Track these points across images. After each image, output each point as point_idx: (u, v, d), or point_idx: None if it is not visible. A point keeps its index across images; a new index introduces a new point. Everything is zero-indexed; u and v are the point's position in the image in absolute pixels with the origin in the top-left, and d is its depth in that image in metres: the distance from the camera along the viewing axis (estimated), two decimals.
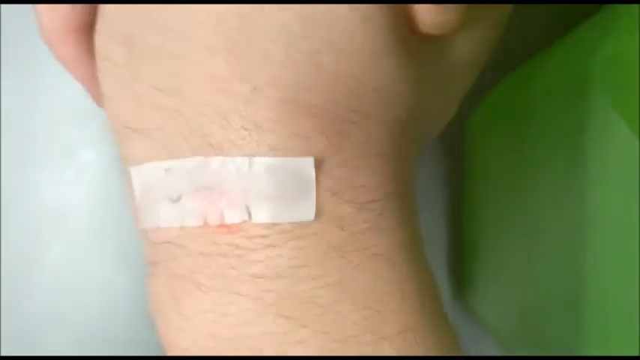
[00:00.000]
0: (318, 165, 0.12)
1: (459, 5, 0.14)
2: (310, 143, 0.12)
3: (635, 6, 0.18)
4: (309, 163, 0.12)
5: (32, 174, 0.29)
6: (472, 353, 0.30)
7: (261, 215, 0.12)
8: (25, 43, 0.29)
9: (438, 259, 0.30)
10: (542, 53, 0.25)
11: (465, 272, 0.30)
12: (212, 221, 0.13)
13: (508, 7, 0.15)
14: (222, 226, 0.13)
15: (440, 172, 0.30)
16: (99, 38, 0.15)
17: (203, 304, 0.13)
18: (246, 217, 0.12)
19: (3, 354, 0.29)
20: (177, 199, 0.13)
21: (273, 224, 0.12)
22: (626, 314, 0.17)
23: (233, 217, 0.12)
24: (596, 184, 0.19)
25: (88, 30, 0.15)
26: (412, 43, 0.13)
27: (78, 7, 0.15)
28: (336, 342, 0.12)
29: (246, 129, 0.12)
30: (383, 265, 0.13)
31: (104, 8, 0.15)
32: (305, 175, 0.12)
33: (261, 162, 0.12)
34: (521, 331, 0.25)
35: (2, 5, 0.29)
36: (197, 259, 0.13)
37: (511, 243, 0.26)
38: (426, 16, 0.13)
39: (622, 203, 0.17)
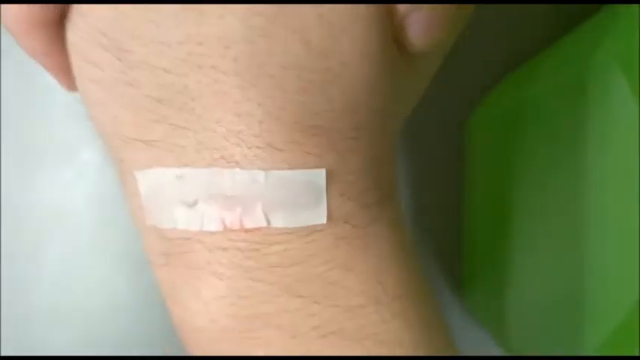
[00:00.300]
0: (329, 175, 0.14)
1: (448, 25, 0.15)
2: (322, 159, 0.14)
3: (635, 6, 0.18)
4: (321, 174, 0.14)
5: (32, 174, 0.29)
6: (472, 353, 0.30)
7: (279, 222, 0.14)
8: None
9: (438, 259, 0.30)
10: (542, 53, 0.25)
11: (465, 272, 0.30)
12: (232, 227, 0.14)
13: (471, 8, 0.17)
14: (240, 229, 0.14)
15: (440, 172, 0.30)
16: (77, 38, 0.15)
17: (221, 291, 0.14)
18: (264, 224, 0.14)
19: (3, 354, 0.29)
20: (193, 204, 0.14)
21: (288, 226, 0.14)
22: (626, 314, 0.17)
23: (252, 223, 0.14)
24: (597, 184, 0.19)
25: (57, 23, 0.15)
26: (400, 64, 0.15)
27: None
28: (345, 312, 0.14)
29: (260, 147, 0.14)
30: (383, 246, 0.15)
31: (81, 6, 0.14)
32: (317, 185, 0.14)
33: (277, 175, 0.14)
34: (522, 331, 0.25)
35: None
36: (214, 252, 0.14)
37: (511, 243, 0.26)
38: (415, 40, 0.14)
39: (623, 204, 0.17)
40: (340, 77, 0.14)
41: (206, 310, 0.15)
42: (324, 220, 0.14)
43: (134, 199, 0.15)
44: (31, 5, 0.15)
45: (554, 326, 0.22)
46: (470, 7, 0.16)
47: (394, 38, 0.15)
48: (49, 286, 0.29)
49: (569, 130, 0.20)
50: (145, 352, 0.29)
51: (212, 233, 0.14)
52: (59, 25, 0.15)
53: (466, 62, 0.29)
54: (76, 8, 0.15)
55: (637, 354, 0.16)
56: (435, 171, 0.30)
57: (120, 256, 0.29)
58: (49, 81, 0.29)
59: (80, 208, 0.29)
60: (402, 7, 0.14)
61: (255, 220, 0.14)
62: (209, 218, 0.14)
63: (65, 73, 0.16)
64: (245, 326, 0.14)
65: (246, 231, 0.14)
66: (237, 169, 0.14)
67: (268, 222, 0.14)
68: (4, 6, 0.15)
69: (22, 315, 0.29)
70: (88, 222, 0.29)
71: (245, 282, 0.14)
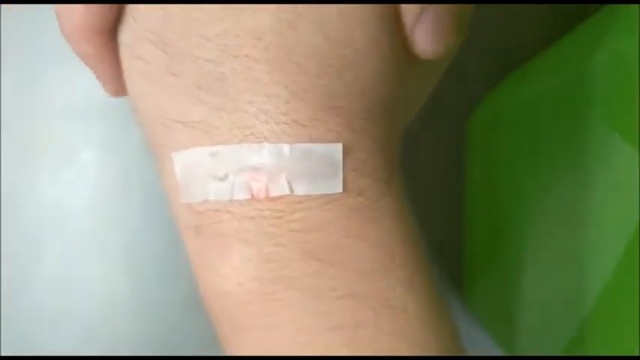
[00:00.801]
0: (345, 151, 0.16)
1: (456, 35, 0.17)
2: (340, 135, 0.16)
3: (635, 6, 0.18)
4: (338, 149, 0.16)
5: (32, 174, 0.29)
6: (472, 353, 0.30)
7: (301, 189, 0.16)
8: (25, 43, 0.29)
9: (439, 259, 0.30)
10: (542, 53, 0.25)
11: (465, 272, 0.30)
12: (259, 195, 0.16)
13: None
14: (265, 197, 0.16)
15: (440, 172, 0.30)
16: (129, 39, 0.17)
17: (248, 256, 0.16)
18: (288, 192, 0.16)
19: (3, 354, 0.29)
20: (224, 178, 0.16)
21: (309, 194, 0.16)
22: (626, 314, 0.17)
23: (277, 191, 0.16)
24: (597, 184, 0.19)
25: (112, 30, 0.17)
26: (407, 65, 0.17)
27: (106, 7, 0.17)
28: (358, 276, 0.16)
29: (286, 123, 0.16)
30: (390, 220, 0.17)
31: (134, 10, 0.17)
32: (334, 158, 0.16)
33: (301, 147, 0.16)
34: (522, 331, 0.25)
35: (2, 5, 0.29)
36: (242, 221, 0.16)
37: (511, 243, 0.26)
38: (424, 48, 0.16)
39: (623, 204, 0.17)
40: (353, 63, 0.16)
41: (235, 273, 0.16)
42: (340, 189, 0.16)
43: (170, 180, 0.17)
44: (92, 14, 0.16)
45: (554, 326, 0.22)
46: (470, 7, 0.17)
47: (405, 43, 0.17)
48: (49, 286, 0.29)
49: (569, 130, 0.20)
50: (144, 352, 0.29)
51: (240, 204, 0.16)
52: (113, 32, 0.17)
53: (466, 62, 0.29)
54: (130, 12, 0.17)
55: (637, 354, 0.16)
56: (435, 171, 0.30)
57: (120, 256, 0.29)
58: (49, 81, 0.29)
59: (80, 208, 0.29)
60: (408, 20, 0.16)
61: (280, 188, 0.16)
62: (238, 188, 0.16)
63: (113, 77, 0.18)
64: (269, 289, 0.16)
65: (271, 200, 0.16)
66: (265, 143, 0.16)
67: (291, 190, 0.16)
68: (65, 15, 0.17)
69: (22, 315, 0.29)
70: (87, 222, 0.29)
71: (269, 247, 0.16)
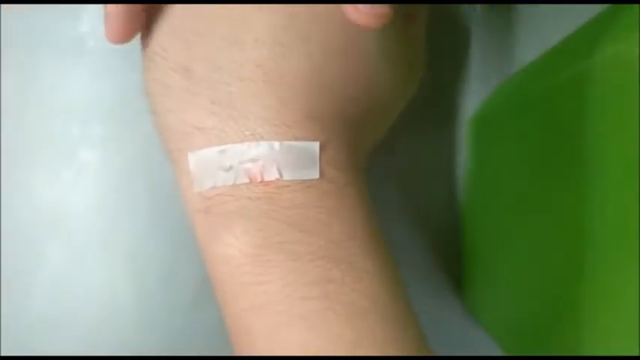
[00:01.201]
0: (320, 147, 0.21)
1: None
2: (317, 136, 0.21)
3: (635, 6, 0.18)
4: (316, 145, 0.21)
5: (32, 174, 0.29)
6: (472, 353, 0.30)
7: (288, 175, 0.21)
8: (25, 43, 0.29)
9: (438, 259, 0.30)
10: (543, 53, 0.25)
11: (466, 272, 0.30)
12: (255, 179, 0.21)
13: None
14: (260, 182, 0.21)
15: (440, 172, 0.30)
16: (158, 74, 0.22)
17: (246, 227, 0.21)
18: (278, 177, 0.21)
19: (3, 354, 0.29)
20: (229, 169, 0.21)
21: (293, 179, 0.21)
22: (626, 314, 0.17)
23: (270, 176, 0.21)
24: (596, 184, 0.19)
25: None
26: (378, 82, 0.23)
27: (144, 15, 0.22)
28: (331, 244, 0.21)
29: (278, 126, 0.21)
30: (355, 202, 0.22)
31: (163, 50, 0.21)
32: (313, 152, 0.21)
33: (288, 144, 0.21)
34: (521, 332, 0.25)
35: (2, 5, 0.29)
36: (242, 201, 0.21)
37: (511, 243, 0.26)
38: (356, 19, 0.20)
39: (623, 204, 0.17)
40: (331, 84, 0.21)
41: (236, 241, 0.21)
42: (317, 176, 0.21)
43: (186, 177, 0.22)
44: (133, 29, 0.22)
45: (554, 326, 0.22)
46: None
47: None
48: (49, 287, 0.29)
49: (569, 130, 0.20)
50: (144, 353, 0.29)
51: (241, 189, 0.21)
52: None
53: (466, 62, 0.29)
54: (159, 53, 0.22)
55: (637, 354, 0.16)
56: (435, 171, 0.30)
57: (120, 257, 0.29)
58: (49, 81, 0.29)
59: (80, 208, 0.29)
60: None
61: (272, 174, 0.21)
62: (240, 175, 0.21)
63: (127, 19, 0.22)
64: (262, 252, 0.20)
65: (265, 184, 0.21)
66: (262, 141, 0.20)
67: (281, 175, 0.21)
68: (108, 26, 0.21)
69: (21, 315, 0.29)
70: (87, 222, 0.29)
71: (263, 220, 0.21)
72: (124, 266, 0.29)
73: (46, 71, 0.29)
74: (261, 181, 0.21)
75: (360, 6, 0.19)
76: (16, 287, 0.29)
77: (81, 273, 0.29)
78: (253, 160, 0.21)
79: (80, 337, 0.29)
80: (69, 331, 0.29)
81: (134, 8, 0.21)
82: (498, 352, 0.28)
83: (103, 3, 0.20)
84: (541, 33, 0.27)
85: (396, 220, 0.29)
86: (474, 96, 0.29)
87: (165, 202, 0.29)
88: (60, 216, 0.29)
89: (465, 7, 0.29)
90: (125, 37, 0.22)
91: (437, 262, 0.30)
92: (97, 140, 0.29)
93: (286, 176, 0.21)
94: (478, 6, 0.29)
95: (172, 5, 0.22)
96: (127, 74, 0.28)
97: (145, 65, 0.22)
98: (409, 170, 0.29)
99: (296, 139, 0.21)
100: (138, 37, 0.22)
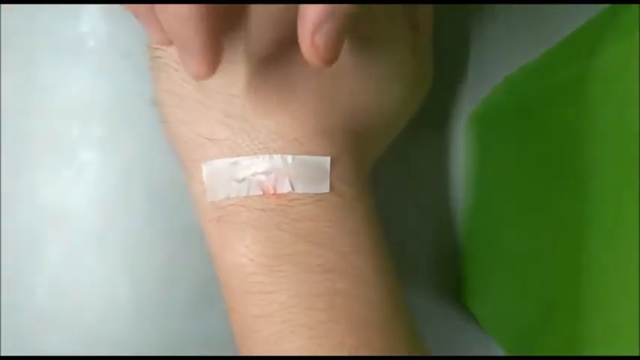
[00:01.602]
0: (331, 162, 0.21)
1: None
2: (328, 151, 0.22)
3: (635, 6, 0.18)
4: (327, 160, 0.21)
5: (32, 174, 0.29)
6: (472, 353, 0.30)
7: (300, 189, 0.21)
8: (25, 43, 0.29)
9: (438, 259, 0.30)
10: (543, 53, 0.25)
11: (466, 272, 0.30)
12: (268, 192, 0.21)
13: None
14: (273, 194, 0.21)
15: (440, 172, 0.30)
16: (171, 86, 0.22)
17: (258, 238, 0.21)
18: (290, 189, 0.21)
19: (3, 354, 0.29)
20: (241, 180, 0.21)
21: (305, 193, 0.21)
22: (626, 314, 0.17)
23: (282, 189, 0.21)
24: (597, 184, 0.19)
25: None
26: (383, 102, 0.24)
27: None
28: (338, 255, 0.21)
29: (290, 141, 0.21)
30: (361, 214, 0.22)
31: (173, 51, 0.21)
32: (324, 167, 0.21)
33: (301, 158, 0.21)
34: (521, 332, 0.25)
35: (2, 5, 0.28)
36: (254, 212, 0.21)
37: (511, 243, 0.26)
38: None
39: (623, 205, 0.17)
40: (341, 101, 0.22)
41: (248, 251, 0.21)
42: (327, 190, 0.21)
43: (199, 186, 0.22)
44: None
45: (554, 326, 0.22)
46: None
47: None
48: (49, 286, 0.29)
49: (569, 130, 0.20)
50: (144, 353, 0.29)
51: (253, 200, 0.21)
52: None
53: (466, 62, 0.29)
54: (172, 65, 0.21)
55: (637, 354, 0.16)
56: (435, 171, 0.30)
57: (119, 256, 0.29)
58: (49, 81, 0.29)
59: (80, 208, 0.29)
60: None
61: (284, 187, 0.21)
62: (253, 187, 0.21)
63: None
64: (273, 262, 0.21)
65: (277, 197, 0.21)
66: (275, 155, 0.21)
67: (293, 188, 0.21)
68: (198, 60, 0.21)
69: (22, 315, 0.29)
70: (87, 222, 0.29)
71: (275, 232, 0.21)
72: (124, 266, 0.29)
73: (46, 71, 0.29)
74: (273, 194, 0.21)
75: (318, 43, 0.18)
76: (16, 287, 0.29)
77: (81, 272, 0.29)
78: (266, 173, 0.21)
79: (80, 336, 0.29)
80: (69, 331, 0.29)
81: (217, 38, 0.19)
82: (498, 352, 0.28)
83: (108, 3, 0.19)
84: (541, 33, 0.27)
85: (396, 220, 0.29)
86: (474, 96, 0.29)
87: (164, 202, 0.29)
88: (60, 216, 0.29)
89: (465, 7, 0.29)
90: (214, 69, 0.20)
91: (437, 262, 0.30)
92: (96, 140, 0.29)
93: (298, 189, 0.21)
94: (478, 6, 0.29)
95: None
96: (127, 74, 0.28)
97: (155, 75, 0.23)
98: (409, 170, 0.29)
99: (307, 153, 0.21)
100: (139, 42, 0.22)
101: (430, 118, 0.29)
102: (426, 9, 0.25)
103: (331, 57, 0.18)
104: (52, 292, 0.29)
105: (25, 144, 0.29)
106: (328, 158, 0.21)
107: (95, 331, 0.29)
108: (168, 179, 0.29)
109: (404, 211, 0.29)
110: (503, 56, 0.29)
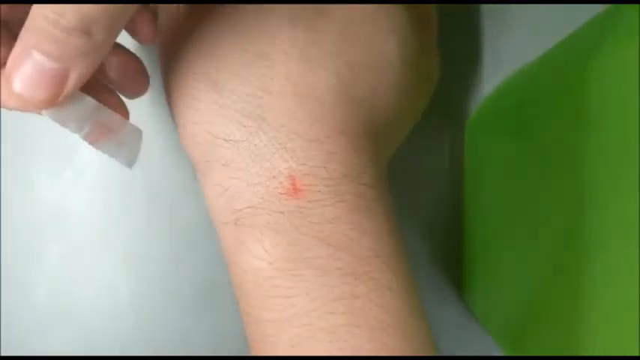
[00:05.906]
0: (350, 166, 0.21)
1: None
2: (349, 151, 0.21)
3: (635, 6, 0.18)
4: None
5: (32, 174, 0.29)
6: (472, 353, 0.30)
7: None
8: None
9: (438, 259, 0.30)
10: (543, 53, 0.25)
11: (466, 271, 0.30)
12: (288, 193, 0.21)
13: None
14: (291, 194, 0.21)
15: (440, 172, 0.30)
16: (182, 80, 0.22)
17: (277, 241, 0.21)
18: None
19: (3, 354, 0.29)
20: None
21: (324, 193, 0.21)
22: (626, 314, 0.17)
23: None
24: (596, 183, 0.19)
25: None
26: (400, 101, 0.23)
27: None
28: (358, 259, 0.21)
29: (310, 141, 0.21)
30: (381, 216, 0.22)
31: (185, 52, 0.21)
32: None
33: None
34: (521, 332, 0.25)
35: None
36: (273, 214, 0.21)
37: (511, 242, 0.26)
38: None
39: (622, 204, 0.17)
40: (360, 100, 0.21)
41: (266, 254, 0.21)
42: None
43: (214, 188, 0.22)
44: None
45: (554, 327, 0.22)
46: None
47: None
48: (49, 286, 0.29)
49: (569, 131, 0.20)
50: (144, 353, 0.29)
51: (272, 202, 0.21)
52: None
53: (466, 62, 0.29)
54: (182, 57, 0.22)
55: (637, 354, 0.16)
56: (435, 171, 0.30)
57: (120, 256, 0.29)
58: None
59: (80, 208, 0.29)
60: None
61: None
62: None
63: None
64: (292, 266, 0.20)
65: (297, 198, 0.21)
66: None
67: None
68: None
69: (22, 315, 0.29)
70: (87, 222, 0.29)
71: (294, 234, 0.21)
72: (124, 266, 0.29)
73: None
74: (293, 195, 0.21)
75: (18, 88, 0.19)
76: (16, 287, 0.29)
77: (81, 273, 0.29)
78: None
79: (80, 336, 0.29)
80: (69, 331, 0.29)
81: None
82: (498, 352, 0.28)
83: (102, 3, 0.18)
84: (541, 33, 0.27)
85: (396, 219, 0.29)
86: (474, 96, 0.29)
87: (165, 202, 0.29)
88: (60, 216, 0.29)
89: (465, 7, 0.29)
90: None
91: (437, 262, 0.30)
92: None
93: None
94: (478, 6, 0.29)
95: (192, 18, 0.22)
96: None
97: (167, 76, 0.22)
98: (409, 170, 0.29)
99: (329, 154, 0.21)
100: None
101: (430, 118, 0.29)
102: (430, 5, 0.25)
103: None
104: (52, 292, 0.29)
105: (26, 144, 0.29)
106: (347, 161, 0.21)
107: (95, 331, 0.29)
108: (169, 179, 0.29)
109: (404, 211, 0.29)
110: (503, 57, 0.29)
